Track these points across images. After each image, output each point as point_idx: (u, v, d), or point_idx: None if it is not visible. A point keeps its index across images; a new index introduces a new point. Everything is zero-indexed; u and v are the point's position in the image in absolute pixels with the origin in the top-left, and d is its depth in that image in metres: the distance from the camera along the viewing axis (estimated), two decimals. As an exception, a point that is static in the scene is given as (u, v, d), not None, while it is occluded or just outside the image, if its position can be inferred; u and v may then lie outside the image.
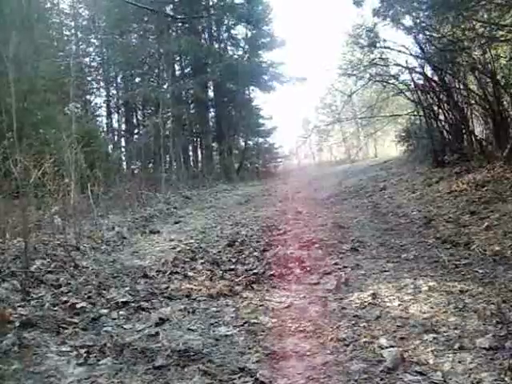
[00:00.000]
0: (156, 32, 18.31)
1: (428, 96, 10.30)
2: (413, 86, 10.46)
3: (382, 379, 1.88)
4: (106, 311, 2.88)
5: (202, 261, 4.33)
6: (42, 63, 10.01)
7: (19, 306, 2.87)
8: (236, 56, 20.04)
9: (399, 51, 10.19)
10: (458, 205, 6.07)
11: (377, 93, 13.44)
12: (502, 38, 7.65)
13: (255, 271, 3.77)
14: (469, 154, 8.70)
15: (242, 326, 2.57)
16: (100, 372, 2.04)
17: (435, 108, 10.18)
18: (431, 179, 8.53)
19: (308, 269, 3.79)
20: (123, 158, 16.84)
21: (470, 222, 5.05)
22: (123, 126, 20.79)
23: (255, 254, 4.51)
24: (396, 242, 4.70)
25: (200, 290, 3.29)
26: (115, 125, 20.64)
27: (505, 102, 8.52)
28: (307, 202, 9.08)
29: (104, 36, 18.79)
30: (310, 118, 30.47)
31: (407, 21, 8.97)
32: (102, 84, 20.27)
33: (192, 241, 5.46)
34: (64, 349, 2.29)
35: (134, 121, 20.82)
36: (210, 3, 19.52)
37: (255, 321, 2.62)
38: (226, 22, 19.75)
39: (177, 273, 3.88)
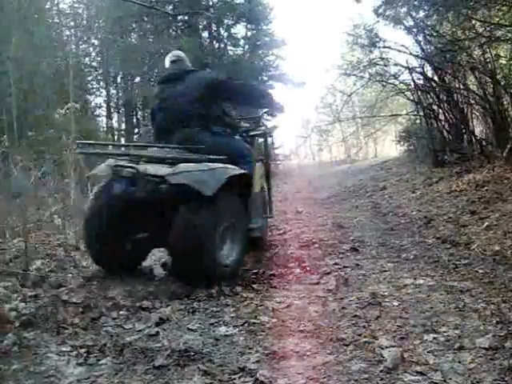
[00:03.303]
0: (156, 32, 18.30)
1: (428, 96, 10.29)
2: (413, 85, 10.45)
3: (381, 379, 1.87)
4: (105, 311, 2.88)
5: (202, 261, 4.31)
6: (42, 63, 10.01)
7: (19, 306, 2.87)
8: (236, 55, 20.03)
9: (399, 51, 10.19)
10: (457, 205, 6.07)
11: (377, 93, 13.44)
12: (502, 38, 7.64)
13: (255, 271, 3.77)
14: (469, 154, 8.68)
15: (242, 325, 2.57)
16: (100, 372, 2.04)
17: (435, 108, 10.17)
18: (431, 179, 8.52)
19: (308, 269, 3.79)
20: (123, 158, 16.74)
21: (470, 222, 5.05)
22: (123, 126, 20.78)
23: (255, 253, 4.50)
24: (396, 242, 4.70)
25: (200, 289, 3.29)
26: (115, 125, 20.64)
27: (505, 102, 8.50)
28: (307, 202, 9.07)
29: (104, 35, 18.77)
30: (310, 118, 30.50)
31: (407, 21, 8.98)
32: (101, 84, 20.26)
33: (192, 241, 5.44)
34: (64, 349, 2.29)
35: (134, 121, 20.80)
36: (210, 3, 19.51)
37: (255, 321, 2.62)
38: (225, 21, 19.74)
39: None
